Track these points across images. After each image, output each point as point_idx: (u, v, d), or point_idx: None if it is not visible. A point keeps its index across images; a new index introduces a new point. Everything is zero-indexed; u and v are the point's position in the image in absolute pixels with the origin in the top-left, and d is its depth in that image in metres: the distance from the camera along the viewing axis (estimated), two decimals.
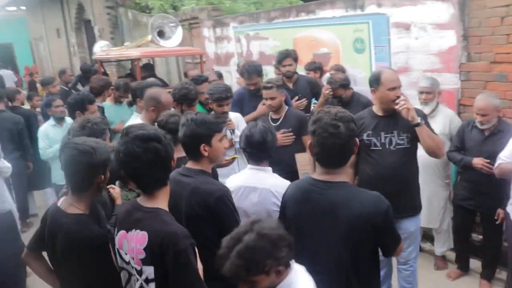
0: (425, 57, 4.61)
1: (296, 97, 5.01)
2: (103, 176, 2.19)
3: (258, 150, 2.79)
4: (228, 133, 4.12)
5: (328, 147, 2.02)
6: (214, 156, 2.44)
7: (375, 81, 3.34)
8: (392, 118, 3.32)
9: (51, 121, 5.43)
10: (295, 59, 5.15)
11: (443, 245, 4.65)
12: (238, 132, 4.16)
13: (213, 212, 2.27)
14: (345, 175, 2.12)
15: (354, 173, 3.55)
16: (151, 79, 5.81)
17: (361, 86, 5.13)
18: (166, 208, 1.96)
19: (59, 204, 2.25)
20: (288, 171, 4.00)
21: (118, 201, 3.00)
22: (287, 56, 5.08)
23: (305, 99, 5.02)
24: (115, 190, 3.08)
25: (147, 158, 1.85)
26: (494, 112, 3.81)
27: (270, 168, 2.85)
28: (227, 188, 2.37)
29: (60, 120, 5.43)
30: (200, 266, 1.97)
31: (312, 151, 2.10)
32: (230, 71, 7.67)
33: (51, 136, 5.29)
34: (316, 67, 5.65)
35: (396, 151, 3.28)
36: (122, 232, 2.00)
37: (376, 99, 3.39)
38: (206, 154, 2.39)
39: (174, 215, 2.36)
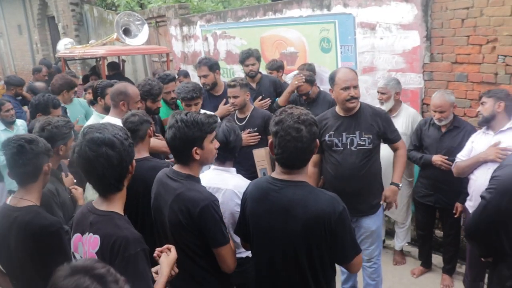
0: (390, 57, 4.66)
1: (260, 97, 5.02)
2: (49, 165, 2.23)
3: (221, 150, 2.73)
4: None
5: (290, 150, 2.02)
6: (205, 158, 2.36)
7: (330, 80, 3.38)
8: (354, 119, 3.34)
9: (0, 125, 5.13)
10: (258, 59, 5.14)
11: (402, 240, 4.76)
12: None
13: (196, 222, 2.21)
14: (303, 175, 2.13)
15: (318, 173, 3.58)
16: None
17: (327, 85, 5.08)
18: (121, 212, 1.90)
19: (8, 202, 2.22)
20: (254, 171, 4.04)
21: (80, 202, 2.93)
22: (249, 56, 5.07)
23: (268, 99, 5.01)
24: (77, 190, 3.01)
25: (99, 163, 1.80)
26: (450, 108, 3.91)
27: (234, 169, 2.84)
28: (214, 197, 2.27)
29: (10, 124, 5.14)
30: (173, 271, 1.96)
31: (273, 150, 2.11)
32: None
33: (2, 141, 5.04)
34: (278, 66, 5.60)
35: (357, 151, 3.31)
36: (77, 235, 1.95)
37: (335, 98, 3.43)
38: (198, 157, 2.30)
39: (158, 219, 2.40)
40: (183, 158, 2.33)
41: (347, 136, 3.31)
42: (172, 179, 2.34)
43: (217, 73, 4.79)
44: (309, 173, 3.39)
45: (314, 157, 3.35)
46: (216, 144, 2.42)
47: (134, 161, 1.92)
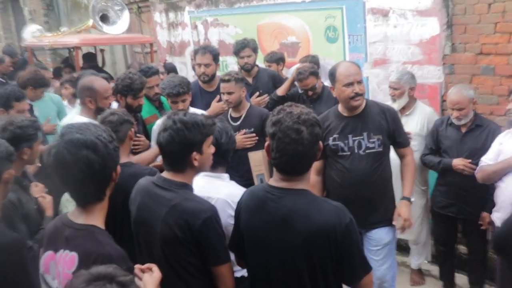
0: (405, 48, 4.66)
1: (257, 93, 5.02)
2: (11, 171, 2.22)
3: (213, 154, 2.76)
4: None
5: (289, 153, 2.04)
6: (202, 164, 2.38)
7: (331, 76, 3.39)
8: (360, 118, 3.34)
9: None
10: (255, 50, 5.14)
11: (419, 257, 4.71)
12: None
13: (197, 237, 2.21)
14: (305, 183, 2.14)
15: (322, 181, 3.58)
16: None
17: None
18: (102, 225, 1.89)
19: None
20: (250, 177, 4.05)
21: (49, 212, 2.91)
22: (245, 46, 5.07)
23: (266, 95, 5.01)
24: (45, 199, 2.98)
25: (78, 168, 1.78)
26: (469, 104, 3.88)
27: (226, 175, 2.84)
28: (215, 208, 2.30)
29: None
30: None
31: (270, 154, 2.12)
32: (185, 63, 7.58)
33: None
34: (278, 58, 5.59)
35: (366, 155, 3.31)
36: (50, 253, 1.91)
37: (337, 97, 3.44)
38: (196, 164, 2.31)
39: (141, 234, 2.40)
40: (178, 165, 2.33)
41: (354, 138, 3.31)
42: (163, 188, 2.33)
43: (217, 66, 4.86)
44: (312, 182, 3.35)
45: (317, 164, 3.43)
46: (212, 148, 2.45)
47: (118, 167, 1.92)
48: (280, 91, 4.89)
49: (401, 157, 3.53)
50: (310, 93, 4.74)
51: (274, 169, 2.17)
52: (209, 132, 2.35)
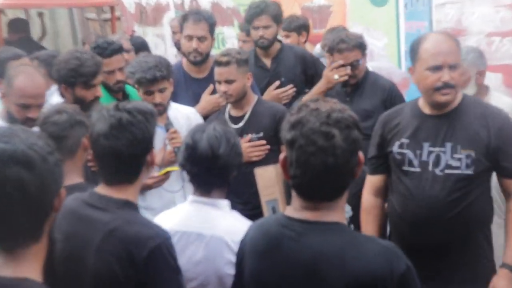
0: (492, 12, 4.66)
1: (277, 83, 5.04)
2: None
3: (205, 171, 2.81)
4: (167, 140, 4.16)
5: (315, 169, 2.03)
6: (150, 170, 2.55)
7: (412, 52, 3.33)
8: (447, 121, 3.26)
9: None
10: (276, 18, 5.08)
11: None
12: None
13: (141, 273, 2.27)
14: (338, 213, 2.14)
15: (382, 207, 3.55)
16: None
17: (380, 61, 5.23)
18: (38, 277, 1.82)
19: None
20: (257, 205, 4.05)
21: None
22: (261, 12, 5.04)
23: (291, 85, 5.02)
24: None
25: (3, 193, 1.74)
26: None
27: (226, 202, 2.87)
28: (167, 234, 2.38)
29: None
30: None
31: (287, 171, 2.12)
32: (162, 35, 7.63)
33: None
34: (299, 26, 5.62)
35: (444, 177, 3.21)
36: None
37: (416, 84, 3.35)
38: (152, 166, 2.48)
39: (68, 274, 2.38)
40: (130, 174, 2.46)
41: (431, 149, 3.26)
42: (97, 208, 2.41)
43: (213, 41, 4.85)
44: (364, 206, 3.52)
45: (374, 180, 3.50)
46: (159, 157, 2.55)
47: (63, 191, 1.91)
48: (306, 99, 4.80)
49: (506, 194, 3.34)
50: (349, 73, 4.60)
51: (294, 193, 2.15)
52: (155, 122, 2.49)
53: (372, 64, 5.13)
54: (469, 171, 3.19)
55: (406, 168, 3.31)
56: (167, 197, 3.94)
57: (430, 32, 4.19)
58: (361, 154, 2.10)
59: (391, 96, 4.53)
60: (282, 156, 2.15)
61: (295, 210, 2.15)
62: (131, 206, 2.45)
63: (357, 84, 4.71)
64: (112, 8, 7.74)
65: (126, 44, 5.72)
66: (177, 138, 4.00)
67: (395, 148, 3.33)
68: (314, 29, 5.90)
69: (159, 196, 3.95)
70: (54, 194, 1.85)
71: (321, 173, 2.03)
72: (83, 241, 2.38)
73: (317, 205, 2.11)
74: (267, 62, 5.12)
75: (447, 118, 3.25)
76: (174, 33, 6.57)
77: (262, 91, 4.89)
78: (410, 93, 5.19)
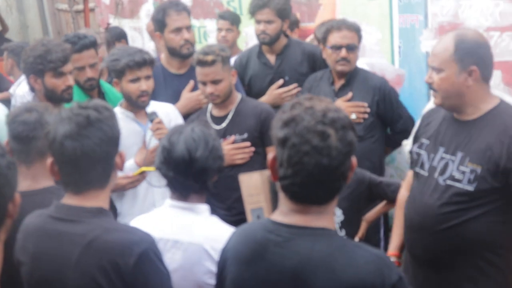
0: (491, 4, 4.60)
1: (280, 81, 5.02)
2: None
3: (181, 175, 2.81)
4: (148, 138, 4.14)
5: (308, 169, 2.03)
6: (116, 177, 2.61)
7: None
8: (468, 128, 3.23)
9: None
10: (281, 13, 5.05)
11: None
12: None
13: (130, 282, 2.29)
14: (328, 218, 2.15)
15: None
16: None
17: (372, 57, 5.21)
18: None
19: None
20: (242, 211, 4.02)
21: None
22: (264, 6, 5.02)
23: (295, 84, 5.02)
24: None
25: None
26: None
27: (205, 207, 2.89)
28: (151, 237, 2.41)
29: None
30: None
31: (276, 172, 2.11)
32: (140, 28, 7.62)
33: None
34: (292, 23, 5.63)
35: (444, 188, 3.20)
36: None
37: None
38: (121, 169, 2.54)
39: None
40: (100, 178, 2.47)
41: (444, 156, 3.25)
42: (68, 221, 2.40)
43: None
44: (398, 201, 3.64)
45: (409, 175, 3.57)
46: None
47: (17, 195, 1.90)
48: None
49: None
50: (343, 55, 4.58)
51: (282, 196, 2.15)
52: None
53: (364, 60, 5.13)
54: (470, 187, 3.15)
55: (417, 169, 3.38)
56: (147, 200, 4.00)
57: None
58: (354, 159, 2.13)
59: (384, 94, 4.59)
60: (270, 156, 2.16)
61: (282, 214, 2.17)
62: (105, 213, 2.45)
63: (346, 82, 4.74)
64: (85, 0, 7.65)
65: (100, 39, 5.79)
66: (163, 129, 4.00)
67: (414, 147, 3.39)
68: (302, 23, 5.95)
69: (140, 200, 4.02)
70: (7, 199, 1.86)
71: (313, 174, 2.05)
72: (57, 260, 2.37)
73: (307, 208, 2.12)
74: (271, 58, 5.14)
75: (468, 126, 3.24)
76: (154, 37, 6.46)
77: (265, 89, 4.95)
78: (404, 90, 5.26)
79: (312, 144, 2.01)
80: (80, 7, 7.97)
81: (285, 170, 2.07)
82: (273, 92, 4.93)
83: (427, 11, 4.97)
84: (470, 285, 3.28)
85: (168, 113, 4.29)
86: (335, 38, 4.59)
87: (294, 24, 5.66)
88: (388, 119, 4.70)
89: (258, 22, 5.06)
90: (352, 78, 4.75)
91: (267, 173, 3.26)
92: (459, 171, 3.18)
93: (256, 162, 4.14)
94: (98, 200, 2.44)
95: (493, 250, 3.26)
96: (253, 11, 5.08)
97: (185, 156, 2.77)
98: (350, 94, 4.71)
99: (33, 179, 2.96)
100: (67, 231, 2.38)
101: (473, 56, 3.17)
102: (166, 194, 3.81)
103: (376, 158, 4.70)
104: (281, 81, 5.00)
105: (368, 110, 4.71)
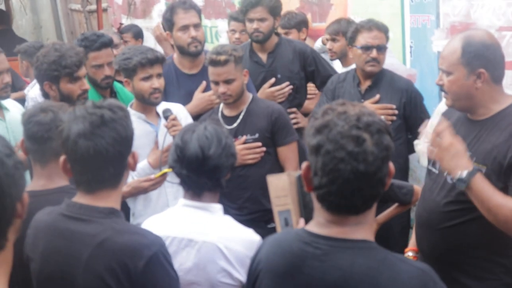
0: (502, 5, 4.57)
1: (272, 79, 5.01)
2: None
3: (195, 173, 2.80)
4: (161, 138, 4.13)
5: (344, 176, 1.97)
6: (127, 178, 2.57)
7: None
8: (478, 127, 3.23)
9: None
10: (273, 11, 5.05)
11: None
12: None
13: (139, 285, 2.29)
14: (367, 228, 2.10)
15: None
16: None
17: (393, 59, 5.14)
18: (3, 286, 1.84)
19: None
20: (253, 210, 4.08)
21: None
22: (257, 4, 5.00)
23: (287, 83, 5.02)
24: None
25: None
26: None
27: (219, 206, 2.89)
28: (161, 240, 2.42)
29: None
30: None
31: (310, 182, 2.06)
32: (152, 29, 7.45)
33: None
34: (299, 22, 5.63)
35: (451, 187, 3.18)
36: None
37: None
38: (127, 176, 2.52)
39: None
40: (109, 179, 2.45)
41: None
42: (80, 220, 2.40)
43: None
44: None
45: None
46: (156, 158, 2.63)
47: (25, 195, 1.86)
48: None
49: None
50: (374, 55, 4.59)
51: (317, 206, 2.09)
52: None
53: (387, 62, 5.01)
54: None
55: (430, 167, 3.39)
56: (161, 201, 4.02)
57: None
58: (391, 165, 2.07)
59: (411, 97, 4.59)
60: (304, 165, 2.10)
61: (318, 225, 2.12)
62: (117, 214, 2.44)
63: (372, 84, 4.73)
64: (98, 0, 7.70)
65: (115, 39, 5.77)
66: (178, 125, 3.99)
67: (430, 145, 3.32)
68: (313, 23, 5.90)
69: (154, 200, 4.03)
70: (15, 199, 1.81)
71: (350, 181, 1.98)
72: (67, 259, 2.37)
73: (344, 219, 2.07)
74: (263, 57, 5.11)
75: (479, 126, 3.23)
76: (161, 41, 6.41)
77: (257, 88, 4.90)
78: None
79: (347, 150, 1.95)
80: (93, 7, 7.96)
81: (320, 179, 2.01)
82: (266, 91, 4.92)
83: (438, 11, 4.96)
84: (476, 284, 3.28)
85: (177, 112, 4.26)
86: (365, 38, 4.59)
87: (302, 23, 5.64)
88: (411, 122, 4.67)
89: (250, 20, 5.04)
90: (379, 80, 4.75)
91: (295, 174, 3.25)
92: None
93: (267, 162, 4.13)
94: (109, 200, 2.45)
95: (499, 250, 3.27)
96: (245, 10, 5.06)
97: (198, 153, 2.77)
98: (377, 96, 4.68)
99: (48, 178, 2.97)
100: (78, 230, 2.38)
101: (481, 59, 3.14)
102: (179, 195, 3.87)
103: (402, 160, 4.70)
104: (273, 80, 5.00)
105: (396, 112, 4.68)
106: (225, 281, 2.60)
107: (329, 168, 1.97)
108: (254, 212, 4.03)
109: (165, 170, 3.64)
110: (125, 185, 2.70)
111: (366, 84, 4.74)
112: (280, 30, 5.53)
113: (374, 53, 4.56)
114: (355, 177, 1.96)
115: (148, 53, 4.05)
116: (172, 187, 3.93)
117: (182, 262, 2.74)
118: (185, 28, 4.69)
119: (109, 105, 2.44)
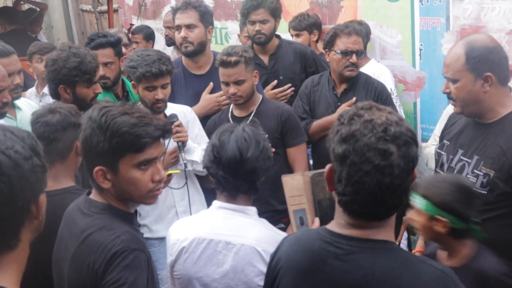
0: None
1: (275, 82, 5.05)
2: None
3: (232, 174, 2.81)
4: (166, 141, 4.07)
5: (368, 188, 1.97)
6: (123, 190, 2.48)
7: None
8: (486, 131, 3.24)
9: None
10: (274, 12, 5.09)
11: None
12: (190, 142, 4.13)
13: (100, 282, 2.29)
14: (388, 230, 2.09)
15: None
16: None
17: (393, 60, 5.19)
18: (14, 286, 1.83)
19: None
20: (262, 211, 3.94)
21: None
22: (259, 6, 5.04)
23: (289, 85, 5.07)
24: None
25: None
26: None
27: (254, 209, 2.93)
28: (142, 241, 2.42)
29: None
30: None
31: (332, 184, 2.07)
32: (162, 30, 7.52)
33: None
34: (310, 24, 5.64)
35: None
36: None
37: None
38: (106, 185, 2.43)
39: (56, 282, 2.56)
40: (92, 180, 2.49)
41: (462, 157, 3.27)
42: (82, 212, 2.48)
43: (209, 31, 4.81)
44: None
45: None
46: (161, 173, 2.61)
47: (43, 196, 1.87)
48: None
49: None
50: (354, 60, 4.60)
51: (339, 209, 2.09)
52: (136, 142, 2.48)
53: (385, 62, 5.12)
54: (483, 191, 3.15)
55: (438, 169, 3.41)
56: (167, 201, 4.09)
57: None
58: (416, 172, 2.05)
59: (382, 99, 4.60)
60: (327, 167, 2.09)
61: (340, 226, 2.10)
62: (112, 210, 2.46)
63: (348, 87, 4.73)
64: (109, 1, 7.71)
65: (125, 39, 5.74)
66: (183, 131, 4.00)
67: (438, 147, 3.39)
68: (323, 25, 5.86)
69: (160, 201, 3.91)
70: (29, 201, 1.82)
71: (374, 194, 1.97)
72: (64, 250, 2.47)
73: (366, 224, 2.06)
74: (265, 59, 5.12)
75: (486, 129, 3.23)
76: (169, 28, 6.54)
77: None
78: (424, 92, 5.26)
79: (374, 164, 1.92)
80: (104, 8, 7.94)
81: (344, 188, 2.00)
82: (268, 93, 4.91)
83: (448, 14, 4.96)
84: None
85: (185, 114, 4.30)
86: (344, 43, 4.59)
87: (314, 26, 5.67)
88: None
89: (252, 23, 5.06)
90: (355, 82, 4.75)
91: (309, 174, 3.25)
92: (473, 174, 3.18)
93: (275, 163, 3.89)
94: (106, 197, 2.49)
95: (508, 253, 3.21)
96: (247, 12, 5.07)
97: (236, 155, 2.78)
98: (354, 99, 4.63)
99: (54, 179, 2.95)
100: (77, 223, 2.44)
101: (486, 63, 3.13)
102: (186, 195, 3.93)
103: None
104: (275, 82, 5.02)
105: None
106: (260, 283, 2.58)
107: (354, 180, 1.96)
108: (263, 212, 3.82)
109: (170, 171, 3.69)
110: None
111: (342, 87, 4.74)
112: (291, 32, 5.59)
113: (353, 58, 4.58)
114: (379, 190, 1.95)
115: (154, 66, 3.97)
116: (179, 189, 3.97)
117: (218, 265, 2.78)
118: (178, 28, 4.74)
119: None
